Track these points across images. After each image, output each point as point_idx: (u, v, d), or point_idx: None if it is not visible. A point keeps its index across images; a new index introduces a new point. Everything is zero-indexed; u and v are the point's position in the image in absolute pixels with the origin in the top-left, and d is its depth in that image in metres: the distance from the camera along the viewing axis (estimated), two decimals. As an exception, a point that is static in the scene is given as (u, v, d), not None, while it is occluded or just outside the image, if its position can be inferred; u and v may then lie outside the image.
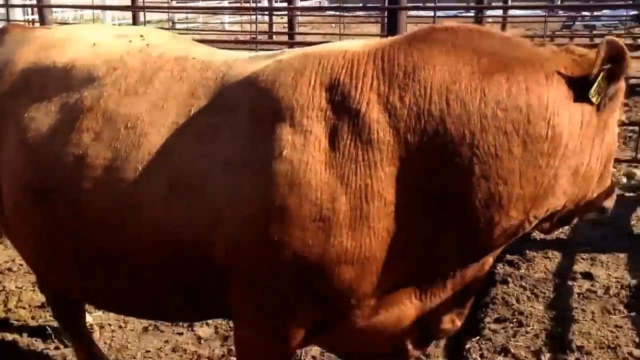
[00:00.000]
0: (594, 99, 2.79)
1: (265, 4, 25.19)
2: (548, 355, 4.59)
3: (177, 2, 25.03)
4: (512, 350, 4.63)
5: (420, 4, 14.37)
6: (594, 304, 5.29)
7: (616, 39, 2.76)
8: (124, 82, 3.09)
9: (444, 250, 2.82)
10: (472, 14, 18.49)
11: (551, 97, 2.73)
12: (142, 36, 3.42)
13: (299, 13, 21.26)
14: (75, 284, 3.35)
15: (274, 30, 20.86)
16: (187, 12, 23.27)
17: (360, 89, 2.73)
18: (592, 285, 5.60)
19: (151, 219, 2.86)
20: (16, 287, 5.70)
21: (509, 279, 5.70)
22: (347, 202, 2.65)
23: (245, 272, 2.80)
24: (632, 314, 5.12)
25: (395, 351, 3.21)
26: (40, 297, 5.27)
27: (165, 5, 20.46)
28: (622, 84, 2.90)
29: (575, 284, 5.65)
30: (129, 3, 13.69)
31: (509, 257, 6.09)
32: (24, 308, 5.37)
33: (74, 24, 17.52)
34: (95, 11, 21.01)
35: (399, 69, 2.75)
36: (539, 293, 5.47)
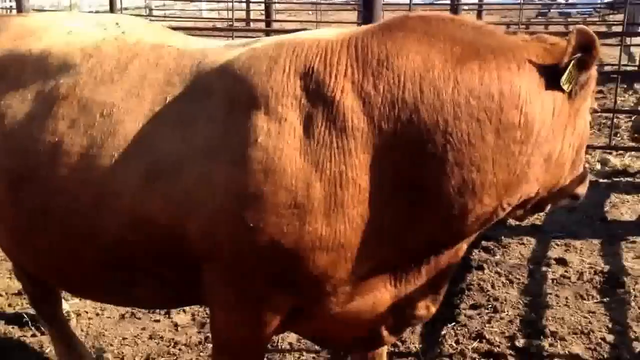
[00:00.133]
0: (565, 87, 2.82)
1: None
2: (522, 340, 4.64)
3: (154, -11, 24.89)
4: (487, 336, 4.68)
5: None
6: (567, 289, 5.36)
7: (586, 27, 2.79)
8: (100, 70, 3.09)
9: (418, 236, 2.84)
10: (448, 2, 18.53)
11: (523, 85, 2.77)
12: (117, 24, 3.40)
13: (276, 0, 21.21)
14: (51, 270, 3.34)
15: (251, 18, 20.83)
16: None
17: (334, 77, 2.75)
18: (565, 271, 5.67)
19: (127, 205, 2.87)
20: (-8, 274, 5.68)
21: (485, 265, 5.76)
22: (321, 189, 2.67)
23: (221, 258, 2.81)
24: (605, 299, 5.19)
25: (371, 337, 3.23)
26: (17, 285, 5.25)
27: (143, -9, 20.35)
28: (593, 72, 2.93)
29: (549, 269, 5.72)
30: (105, -10, 13.58)
31: (484, 243, 6.15)
32: (1, 295, 5.36)
33: (51, 11, 17.37)
34: (72, -2, 20.88)
35: (372, 57, 2.77)
36: (513, 279, 5.53)
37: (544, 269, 5.73)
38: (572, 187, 3.22)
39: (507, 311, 5.02)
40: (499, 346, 4.59)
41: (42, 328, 4.72)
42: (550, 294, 5.28)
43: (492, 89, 2.73)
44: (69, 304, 5.06)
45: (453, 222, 2.82)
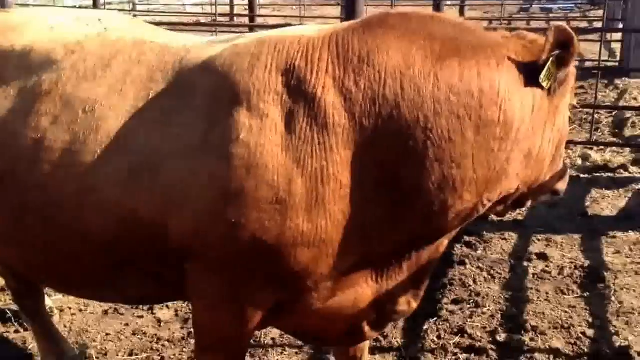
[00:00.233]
0: (544, 84, 2.85)
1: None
2: (503, 335, 4.67)
3: (138, -16, 24.78)
4: (469, 331, 4.71)
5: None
6: (548, 284, 5.40)
7: (564, 25, 2.83)
8: (82, 66, 3.08)
9: (399, 232, 2.86)
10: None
11: (502, 82, 2.79)
12: (100, 20, 3.39)
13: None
14: (33, 267, 3.34)
15: (235, 13, 20.82)
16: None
17: (315, 74, 2.76)
18: (546, 266, 5.71)
19: (109, 201, 2.87)
20: (-26, 270, 5.65)
21: (467, 260, 5.80)
22: (303, 185, 2.68)
23: (203, 253, 2.82)
24: (585, 294, 5.24)
25: (352, 332, 3.25)
26: None
27: (126, -14, 20.27)
28: (571, 69, 2.96)
29: (530, 264, 5.76)
30: (89, -15, 13.52)
31: (466, 238, 6.18)
32: (-17, 291, 5.35)
33: (35, 6, 17.28)
34: (56, -8, 20.76)
35: (353, 54, 2.79)
36: (495, 274, 5.57)
37: (525, 264, 5.78)
38: (552, 183, 3.25)
39: (489, 306, 5.06)
40: (480, 341, 4.62)
41: (25, 324, 4.71)
42: (531, 288, 5.32)
43: (472, 86, 2.76)
44: (52, 300, 5.05)
45: (434, 218, 2.85)
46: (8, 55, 3.24)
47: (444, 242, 3.20)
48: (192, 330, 4.59)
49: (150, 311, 5.06)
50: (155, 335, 4.78)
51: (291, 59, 2.81)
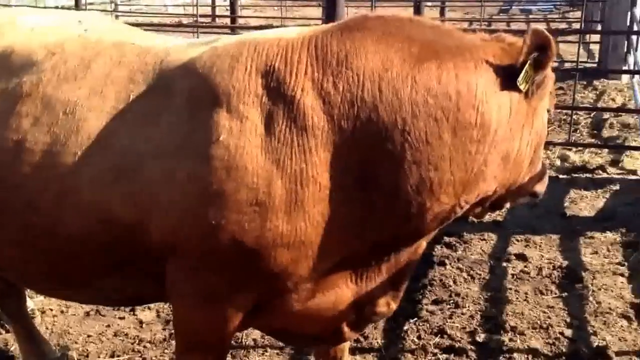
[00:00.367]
0: (521, 87, 2.88)
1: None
2: (483, 335, 4.70)
3: (119, -16, 24.67)
4: (448, 332, 4.73)
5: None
6: (527, 284, 5.44)
7: (542, 28, 2.85)
8: (63, 67, 3.08)
9: (378, 234, 2.88)
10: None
11: (480, 85, 2.82)
12: (80, 21, 3.39)
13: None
14: (14, 268, 3.33)
15: (216, 13, 20.81)
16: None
17: (295, 76, 2.78)
18: (525, 267, 5.75)
19: (89, 202, 2.87)
20: (-46, 272, 5.61)
21: (446, 260, 5.82)
22: (282, 187, 2.70)
23: (183, 255, 2.83)
24: (563, 294, 5.28)
25: (332, 333, 3.27)
26: (-20, 283, 5.21)
27: (107, -14, 20.20)
28: (549, 72, 2.99)
29: (509, 265, 5.79)
30: (70, -15, 13.45)
31: (446, 239, 6.21)
32: (-37, 293, 5.30)
33: (16, 6, 17.16)
34: (38, -7, 20.63)
35: (332, 57, 2.81)
36: (474, 274, 5.60)
37: (504, 264, 5.81)
38: (530, 185, 3.28)
39: (468, 306, 5.09)
40: (460, 341, 4.65)
41: (7, 326, 4.69)
42: (510, 289, 5.35)
43: (450, 88, 2.78)
44: (34, 301, 5.03)
45: (412, 219, 2.87)
46: None
47: (423, 243, 3.23)
48: (173, 331, 4.59)
49: (131, 312, 5.05)
50: (137, 336, 4.77)
51: (270, 60, 2.83)
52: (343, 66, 2.79)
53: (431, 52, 2.83)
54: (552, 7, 25.41)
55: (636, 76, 10.83)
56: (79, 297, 3.59)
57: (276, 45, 2.88)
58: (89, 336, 4.78)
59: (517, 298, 5.21)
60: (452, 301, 5.16)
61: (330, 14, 7.18)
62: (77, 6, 14.43)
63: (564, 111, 9.56)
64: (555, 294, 5.30)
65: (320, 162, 2.72)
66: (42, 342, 4.38)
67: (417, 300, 5.18)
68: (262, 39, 2.94)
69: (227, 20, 19.63)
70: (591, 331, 4.76)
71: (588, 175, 7.99)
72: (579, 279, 5.49)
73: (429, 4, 21.36)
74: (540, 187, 3.38)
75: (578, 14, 18.70)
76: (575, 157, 8.53)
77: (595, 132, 9.80)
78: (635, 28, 11.53)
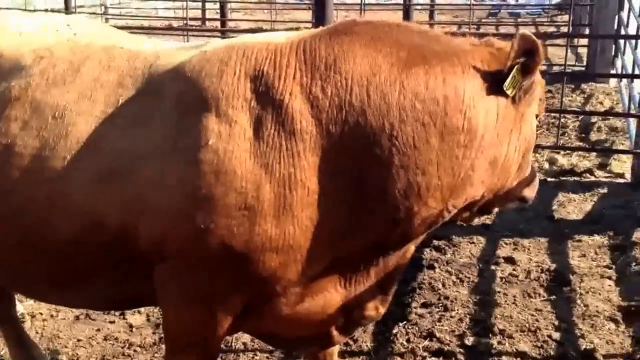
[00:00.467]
0: (508, 92, 2.89)
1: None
2: (471, 339, 4.72)
3: (109, -13, 24.62)
4: (437, 335, 4.75)
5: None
6: (515, 288, 5.45)
7: (529, 33, 2.86)
8: (52, 72, 3.08)
9: (366, 238, 2.89)
10: (401, 2, 18.74)
11: (467, 90, 2.83)
12: (69, 25, 3.39)
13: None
14: (3, 272, 3.33)
15: (206, 17, 20.79)
16: (118, -3, 22.95)
17: (283, 80, 2.79)
18: (514, 270, 5.76)
19: (79, 206, 2.87)
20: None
21: (435, 264, 5.83)
22: (271, 191, 2.71)
23: (173, 258, 2.83)
24: (551, 297, 5.30)
25: (321, 337, 3.29)
26: (-31, 286, 5.19)
27: (97, -11, 20.16)
28: (537, 78, 3.00)
29: (498, 268, 5.81)
30: (60, -12, 13.40)
31: (435, 242, 6.22)
32: (-48, 297, 5.28)
33: (4, 9, 17.08)
34: (27, -4, 20.56)
35: (320, 61, 2.82)
36: (463, 278, 5.62)
37: (493, 267, 5.83)
38: (519, 190, 3.28)
39: (457, 310, 5.10)
40: (449, 344, 4.67)
41: (-4, 330, 4.68)
42: (499, 292, 5.37)
43: (437, 93, 2.80)
44: (24, 305, 5.01)
45: (400, 223, 2.88)
46: None
47: (411, 248, 3.24)
48: (163, 335, 4.58)
49: (121, 316, 5.04)
50: (127, 340, 4.76)
51: (259, 65, 2.84)
52: (331, 70, 2.80)
53: (419, 57, 2.85)
54: (540, 10, 25.53)
55: (624, 80, 10.88)
56: (69, 301, 3.58)
57: (265, 49, 2.89)
58: (78, 340, 4.77)
59: (505, 301, 5.23)
60: (441, 304, 5.18)
61: (319, 17, 7.21)
62: (66, 9, 14.39)
63: (552, 114, 9.60)
64: (544, 297, 5.32)
65: (308, 166, 2.73)
66: (32, 346, 4.37)
67: (406, 303, 5.19)
68: (251, 43, 2.95)
69: (217, 24, 19.62)
70: (579, 334, 4.78)
71: (576, 178, 8.02)
72: (567, 282, 5.51)
73: (418, 7, 21.39)
74: (530, 192, 3.38)
75: (566, 17, 18.78)
76: (563, 160, 8.56)
77: (583, 135, 9.83)
78: (623, 32, 11.60)
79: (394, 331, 4.82)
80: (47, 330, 4.89)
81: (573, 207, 7.23)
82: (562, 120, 9.74)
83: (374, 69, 2.80)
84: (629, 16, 11.26)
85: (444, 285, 5.48)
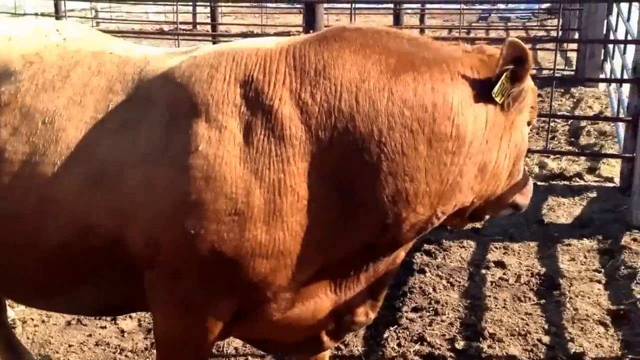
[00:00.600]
0: (497, 99, 2.89)
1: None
2: (462, 343, 4.73)
3: (99, -9, 24.57)
4: (428, 339, 4.76)
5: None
6: (505, 291, 5.47)
7: (518, 40, 2.86)
8: (41, 77, 3.08)
9: (354, 244, 2.90)
10: (391, 6, 18.77)
11: (456, 97, 2.85)
12: (58, 31, 3.39)
13: (222, 4, 21.19)
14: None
15: (197, 21, 20.78)
16: (109, 2, 22.89)
17: (273, 85, 2.80)
18: (504, 274, 5.78)
19: (69, 212, 2.87)
20: None
21: (426, 268, 5.84)
22: (261, 197, 2.71)
23: (163, 264, 2.83)
24: (541, 301, 5.31)
25: (312, 342, 3.30)
26: (-41, 292, 5.17)
27: (87, -7, 20.09)
28: (527, 85, 2.99)
29: (488, 272, 5.82)
30: (49, -9, 13.35)
31: (426, 246, 6.24)
32: (-57, 303, 5.27)
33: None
34: (17, 0, 20.48)
35: (310, 67, 2.84)
36: (454, 282, 5.63)
37: (483, 271, 5.84)
38: (510, 197, 3.28)
39: (448, 314, 5.11)
40: (439, 349, 4.68)
41: (-14, 336, 4.66)
42: (489, 296, 5.38)
43: (426, 100, 2.81)
44: (15, 311, 5.00)
45: (389, 229, 2.89)
46: None
47: (401, 253, 3.25)
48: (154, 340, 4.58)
49: (113, 321, 5.03)
50: (119, 345, 4.76)
51: (249, 70, 2.85)
52: (321, 76, 2.81)
53: (408, 64, 2.86)
54: (530, 15, 25.63)
55: (612, 84, 10.93)
56: (58, 306, 3.58)
57: (255, 55, 2.90)
58: (70, 346, 4.76)
59: (496, 305, 5.25)
60: (431, 308, 5.19)
61: (310, 21, 7.24)
62: (57, 13, 14.35)
63: (542, 118, 9.64)
64: (534, 301, 5.33)
65: (298, 172, 2.74)
66: (23, 352, 4.36)
67: (397, 307, 5.20)
68: (240, 48, 2.96)
69: (208, 28, 19.61)
70: (568, 338, 4.79)
71: (565, 182, 8.04)
72: (557, 286, 5.53)
73: (409, 11, 21.46)
74: (523, 200, 3.38)
75: (556, 21, 18.87)
76: (553, 164, 8.59)
77: (572, 139, 9.87)
78: (612, 36, 11.65)
79: (385, 335, 4.83)
80: (38, 336, 4.88)
81: (562, 211, 7.25)
82: (552, 124, 9.77)
83: (363, 75, 2.81)
84: (617, 21, 11.32)
85: (434, 289, 5.49)
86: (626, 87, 8.21)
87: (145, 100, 2.92)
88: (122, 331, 4.94)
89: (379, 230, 2.89)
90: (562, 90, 12.61)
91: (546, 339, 4.79)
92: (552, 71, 9.29)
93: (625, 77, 8.59)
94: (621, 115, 8.36)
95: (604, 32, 12.46)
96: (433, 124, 2.81)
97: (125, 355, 4.66)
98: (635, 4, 8.42)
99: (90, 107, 2.96)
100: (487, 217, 3.49)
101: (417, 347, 4.70)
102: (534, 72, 2.89)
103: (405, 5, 18.90)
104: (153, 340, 4.68)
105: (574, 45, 14.75)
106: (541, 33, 20.47)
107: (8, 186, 2.95)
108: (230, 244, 2.73)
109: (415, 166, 2.80)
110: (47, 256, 2.99)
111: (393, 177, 2.79)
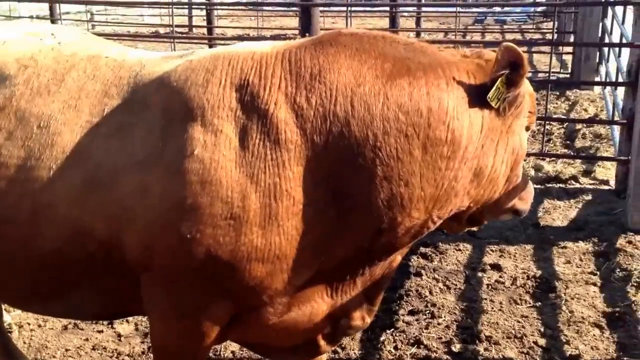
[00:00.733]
0: (492, 104, 2.89)
1: (184, -3, 25.03)
2: (458, 345, 4.73)
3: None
4: (425, 342, 4.76)
5: (334, 1, 14.39)
6: (501, 294, 5.47)
7: (513, 44, 2.86)
8: (36, 81, 3.08)
9: (350, 248, 2.91)
10: (387, 9, 18.81)
11: (451, 102, 2.85)
12: (53, 34, 3.39)
13: (218, 7, 21.22)
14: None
15: (193, 24, 20.80)
16: (104, 5, 22.91)
17: (268, 90, 2.81)
18: (500, 277, 5.78)
19: (64, 216, 2.87)
20: None
21: (423, 271, 5.84)
22: (256, 201, 2.72)
23: (158, 269, 2.83)
24: (537, 304, 5.32)
25: (308, 346, 3.30)
26: (-46, 297, 5.16)
27: (83, -4, 20.10)
28: (523, 90, 2.98)
29: (484, 275, 5.83)
30: (45, -6, 13.34)
31: (422, 250, 6.24)
32: (-62, 307, 5.26)
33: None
34: (12, 3, 20.46)
35: (305, 71, 2.84)
36: (450, 285, 5.63)
37: (479, 274, 5.84)
38: (508, 202, 3.27)
39: (444, 317, 5.11)
40: (436, 351, 4.68)
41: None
42: (486, 299, 5.39)
43: (421, 105, 2.81)
44: (11, 315, 5.00)
45: (384, 234, 2.90)
46: None
47: (398, 258, 3.25)
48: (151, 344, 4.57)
49: (110, 326, 5.03)
50: (116, 350, 4.75)
51: (245, 74, 2.85)
52: (316, 81, 2.81)
53: (404, 69, 2.86)
54: (526, 17, 25.71)
55: (608, 87, 10.95)
56: (54, 311, 3.58)
57: (250, 59, 2.90)
58: (67, 350, 4.75)
59: (492, 308, 5.25)
60: (428, 311, 5.19)
61: (306, 24, 7.25)
62: (52, 15, 14.35)
63: (538, 121, 9.65)
64: (530, 303, 5.34)
65: (293, 176, 2.74)
66: (20, 356, 4.35)
67: (393, 310, 5.21)
68: (236, 52, 2.96)
69: (204, 31, 19.63)
70: (564, 340, 4.80)
71: (561, 185, 8.04)
72: (553, 289, 5.53)
73: (405, 14, 21.49)
74: (523, 205, 3.37)
75: (552, 24, 18.94)
76: (548, 167, 8.60)
77: (568, 142, 9.88)
78: (607, 39, 11.68)
79: (382, 338, 4.83)
80: (35, 340, 4.87)
81: (558, 214, 7.26)
82: (547, 127, 9.79)
83: (359, 80, 2.82)
84: (612, 24, 11.34)
85: (431, 292, 5.49)
86: (621, 90, 8.21)
87: (140, 104, 2.92)
88: (119, 335, 4.93)
89: (374, 235, 2.89)
90: (558, 93, 12.64)
91: (542, 341, 4.80)
92: (547, 74, 9.30)
93: (620, 80, 8.61)
94: (616, 118, 8.37)
95: (599, 35, 12.49)
96: (428, 129, 2.81)
97: (123, 359, 4.64)
98: (630, 7, 8.42)
99: (85, 111, 2.96)
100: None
101: (413, 350, 4.71)
102: (529, 74, 2.88)
103: (401, 8, 18.94)
104: (150, 345, 4.68)
105: (570, 48, 14.78)
106: (537, 36, 20.52)
107: (3, 190, 2.94)
108: (226, 248, 2.73)
109: (410, 171, 2.80)
110: (43, 260, 2.98)
111: (388, 182, 2.79)
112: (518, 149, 3.13)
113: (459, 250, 6.35)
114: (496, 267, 5.97)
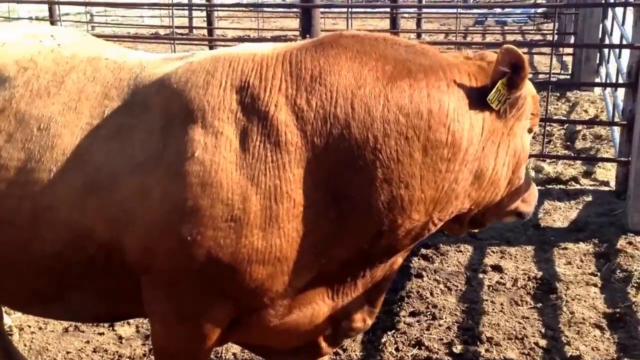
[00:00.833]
0: (493, 106, 2.89)
1: (185, -1, 25.07)
2: (459, 347, 4.73)
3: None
4: (426, 343, 4.75)
5: (335, 2, 14.35)
6: (502, 296, 5.47)
7: (514, 46, 2.86)
8: (36, 83, 3.07)
9: (351, 250, 2.91)
10: (388, 10, 18.80)
11: (451, 104, 2.85)
12: (52, 36, 3.39)
13: (218, 7, 21.22)
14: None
15: (193, 25, 20.79)
16: (104, 6, 22.91)
17: (269, 91, 2.80)
18: (501, 278, 5.77)
19: (64, 218, 2.87)
20: None
21: (424, 272, 5.84)
22: (257, 203, 2.71)
23: (159, 271, 2.83)
24: (538, 305, 5.31)
25: (310, 348, 3.30)
26: (-46, 300, 5.15)
27: (82, -2, 20.11)
28: (525, 92, 2.98)
29: (485, 276, 5.82)
30: (44, -4, 13.34)
31: (423, 251, 6.24)
32: (-61, 310, 5.25)
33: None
34: (11, 5, 20.48)
35: (306, 73, 2.84)
36: (451, 286, 5.63)
37: (480, 275, 5.84)
38: (511, 205, 3.27)
39: (446, 318, 5.11)
40: (437, 353, 4.68)
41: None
42: (487, 300, 5.38)
43: (421, 107, 2.81)
44: (12, 318, 4.99)
45: (384, 236, 2.90)
46: None
47: (398, 259, 3.25)
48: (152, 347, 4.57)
49: (111, 328, 5.02)
50: (117, 352, 4.74)
51: (245, 76, 2.85)
52: (317, 83, 2.81)
53: (404, 71, 2.86)
54: (526, 18, 25.72)
55: (608, 88, 10.95)
56: (54, 314, 3.57)
57: (251, 60, 2.90)
58: (68, 352, 4.74)
59: (493, 309, 5.25)
60: (429, 313, 5.18)
61: (306, 25, 7.25)
62: (51, 17, 14.34)
63: (538, 123, 9.66)
64: (530, 304, 5.34)
65: (294, 178, 2.74)
66: (21, 359, 4.34)
67: (394, 312, 5.20)
68: (237, 54, 2.96)
69: (204, 32, 19.64)
70: (565, 341, 4.79)
71: (561, 186, 8.04)
72: (553, 290, 5.52)
73: (406, 15, 21.50)
74: (527, 208, 3.37)
75: (552, 26, 18.95)
76: (549, 168, 8.59)
77: (568, 143, 9.88)
78: (607, 41, 11.67)
79: (383, 340, 4.83)
80: (35, 343, 4.86)
81: (559, 215, 7.25)
82: (548, 128, 9.78)
83: (359, 81, 2.82)
84: (612, 25, 11.34)
85: (432, 293, 5.49)
86: (621, 92, 8.21)
87: (141, 106, 2.92)
88: (120, 337, 4.93)
89: (375, 237, 2.89)
90: (558, 94, 12.63)
91: (543, 342, 4.79)
92: (548, 75, 9.30)
93: (621, 81, 8.61)
94: (616, 120, 8.37)
95: (600, 36, 12.48)
96: (428, 131, 2.81)
97: (123, 362, 4.65)
98: (630, 8, 8.42)
99: (85, 113, 2.96)
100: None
101: (415, 351, 4.70)
102: (530, 76, 2.87)
103: (402, 9, 18.95)
104: (151, 347, 4.66)
105: (570, 50, 14.78)
106: (537, 37, 20.52)
107: (3, 193, 2.94)
108: (226, 250, 2.73)
109: (411, 173, 2.80)
110: (43, 263, 2.98)
111: (388, 184, 2.79)
112: (520, 151, 3.12)
113: (460, 251, 6.35)
114: (497, 268, 5.96)
